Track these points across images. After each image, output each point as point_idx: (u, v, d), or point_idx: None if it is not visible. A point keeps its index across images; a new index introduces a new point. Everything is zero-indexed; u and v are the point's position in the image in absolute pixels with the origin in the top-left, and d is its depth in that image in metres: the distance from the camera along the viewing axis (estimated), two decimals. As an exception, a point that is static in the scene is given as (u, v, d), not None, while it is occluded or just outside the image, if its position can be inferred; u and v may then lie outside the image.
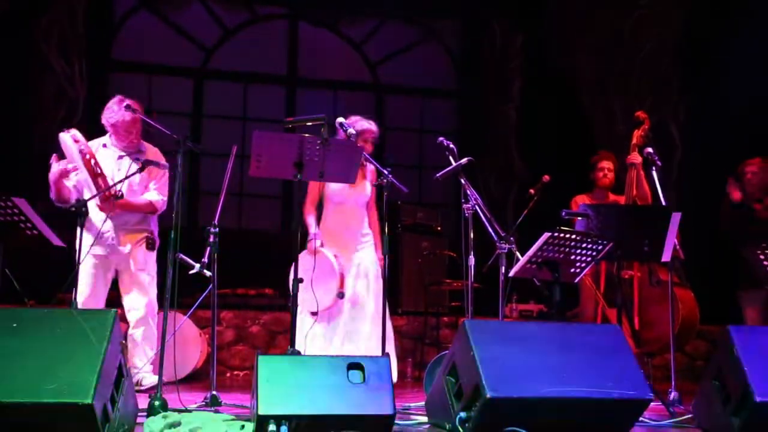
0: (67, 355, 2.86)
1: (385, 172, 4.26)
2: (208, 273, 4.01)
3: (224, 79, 8.31)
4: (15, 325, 2.98)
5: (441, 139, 4.62)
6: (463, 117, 8.74)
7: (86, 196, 4.44)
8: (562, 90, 8.03)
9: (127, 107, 4.47)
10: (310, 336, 4.55)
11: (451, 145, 4.51)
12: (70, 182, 4.51)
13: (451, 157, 4.44)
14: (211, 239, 4.00)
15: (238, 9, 8.34)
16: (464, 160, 4.31)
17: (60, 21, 7.22)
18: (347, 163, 4.12)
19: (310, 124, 4.15)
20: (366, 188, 4.89)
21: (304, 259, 4.63)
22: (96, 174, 4.33)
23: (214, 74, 8.28)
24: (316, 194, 4.81)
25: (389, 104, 8.60)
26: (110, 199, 4.40)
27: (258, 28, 8.44)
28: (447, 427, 3.31)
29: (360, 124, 4.79)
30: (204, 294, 4.18)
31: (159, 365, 3.73)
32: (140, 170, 4.32)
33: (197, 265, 4.02)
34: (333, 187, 4.77)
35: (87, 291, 4.58)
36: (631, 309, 5.20)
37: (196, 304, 4.43)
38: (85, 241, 4.45)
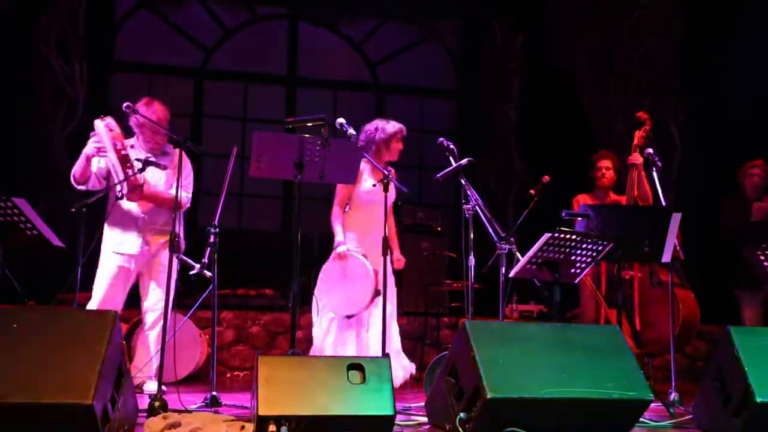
0: (67, 356, 2.86)
1: (385, 172, 4.27)
2: (208, 273, 4.01)
3: (224, 79, 8.30)
4: (15, 325, 2.98)
5: (441, 139, 4.62)
6: (463, 117, 8.74)
7: (101, 186, 4.51)
8: (562, 90, 8.03)
9: (128, 107, 4.47)
10: (338, 341, 4.58)
11: (451, 146, 4.51)
12: (94, 167, 4.51)
13: (451, 158, 4.44)
14: (212, 240, 4.00)
15: (238, 9, 8.34)
16: (464, 161, 4.31)
17: (60, 21, 7.21)
18: (348, 163, 4.12)
19: (310, 124, 4.15)
20: (391, 189, 4.90)
21: (331, 266, 4.65)
22: (125, 162, 4.32)
23: (214, 74, 8.28)
24: (346, 196, 4.82)
25: (389, 104, 8.59)
26: (137, 188, 4.40)
27: (258, 28, 8.44)
28: (447, 427, 3.31)
29: (392, 125, 4.80)
30: (204, 294, 4.18)
31: (159, 366, 3.73)
32: (140, 170, 4.33)
33: (197, 266, 4.02)
34: (363, 187, 4.76)
35: (102, 293, 4.52)
36: (631, 310, 5.20)
37: (197, 304, 4.43)
38: (110, 239, 4.57)
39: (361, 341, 4.64)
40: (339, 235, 4.75)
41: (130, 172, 4.33)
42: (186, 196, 4.67)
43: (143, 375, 4.63)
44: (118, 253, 4.58)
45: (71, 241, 4.25)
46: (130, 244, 4.59)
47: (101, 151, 4.37)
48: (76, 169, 4.49)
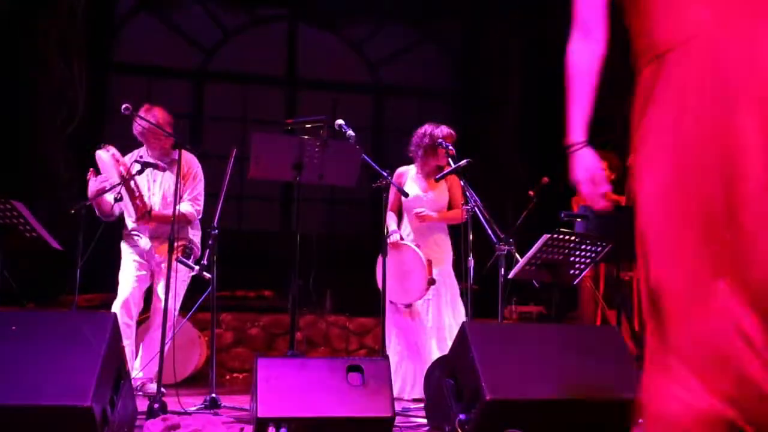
0: (66, 358, 2.86)
1: (384, 174, 4.26)
2: (207, 275, 4.01)
3: (224, 80, 8.31)
4: (14, 327, 2.98)
5: (440, 140, 4.62)
6: (463, 118, 8.74)
7: (121, 211, 4.59)
8: (562, 91, 8.01)
9: (126, 109, 4.46)
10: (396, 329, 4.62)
11: (450, 147, 4.51)
12: (109, 195, 4.50)
13: (450, 159, 4.44)
14: (211, 241, 4.00)
15: (238, 11, 8.34)
16: (463, 162, 4.31)
17: (59, 22, 7.21)
18: (347, 164, 4.12)
19: (309, 125, 4.15)
20: (442, 194, 4.90)
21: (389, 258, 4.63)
22: (134, 195, 4.38)
23: (214, 76, 8.28)
24: (395, 203, 4.87)
25: (389, 105, 8.60)
26: (145, 216, 4.46)
27: (258, 29, 8.44)
28: (447, 429, 3.30)
29: (441, 129, 4.77)
30: (203, 296, 4.18)
31: (159, 367, 3.73)
32: (139, 173, 4.33)
33: (197, 267, 4.02)
34: (410, 195, 4.70)
35: (126, 294, 4.60)
36: (630, 311, 5.20)
37: (196, 306, 4.43)
38: (127, 241, 4.68)
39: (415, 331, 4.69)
40: (392, 225, 4.78)
41: (138, 202, 4.39)
42: (194, 210, 4.71)
43: (144, 377, 4.62)
44: (130, 255, 4.68)
45: (70, 244, 4.25)
46: (143, 244, 4.68)
47: (107, 191, 4.36)
48: (97, 211, 4.54)
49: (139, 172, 4.33)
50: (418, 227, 4.81)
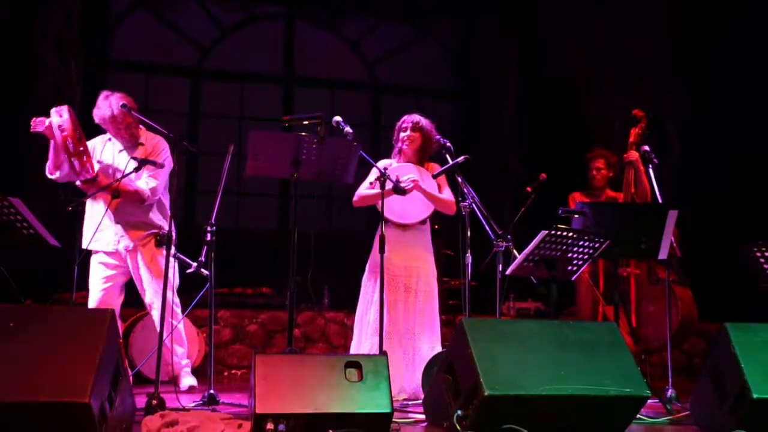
0: (64, 354, 2.86)
1: (382, 170, 4.26)
2: (205, 272, 4.01)
3: (221, 78, 8.29)
4: (12, 324, 2.98)
5: (438, 137, 4.62)
6: (461, 115, 8.74)
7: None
8: (559, 88, 8.03)
9: (123, 106, 4.46)
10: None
11: (448, 144, 4.51)
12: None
13: (448, 156, 4.44)
14: (209, 238, 4.00)
15: (235, 8, 8.33)
16: (461, 158, 4.31)
17: (56, 20, 7.19)
18: (344, 161, 4.12)
19: (306, 122, 4.15)
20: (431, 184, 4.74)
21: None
22: (71, 152, 4.25)
23: (210, 73, 8.26)
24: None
25: (386, 103, 8.59)
26: (89, 182, 4.36)
27: (255, 27, 8.43)
28: (445, 425, 3.31)
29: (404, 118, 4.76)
30: (201, 293, 4.18)
31: (157, 364, 3.73)
32: (136, 169, 4.33)
33: (194, 264, 4.02)
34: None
35: (96, 295, 4.54)
36: (628, 306, 5.21)
37: (194, 302, 4.43)
38: (87, 238, 4.49)
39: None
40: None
41: (77, 160, 4.26)
42: (149, 188, 4.50)
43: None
44: (96, 252, 4.56)
45: (68, 240, 4.25)
46: (105, 241, 4.56)
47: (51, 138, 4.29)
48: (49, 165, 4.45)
49: (136, 170, 4.33)
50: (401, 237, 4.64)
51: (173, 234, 4.02)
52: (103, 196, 4.46)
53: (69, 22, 7.24)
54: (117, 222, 4.55)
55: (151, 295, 4.59)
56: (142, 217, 4.59)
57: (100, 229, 4.45)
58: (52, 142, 4.34)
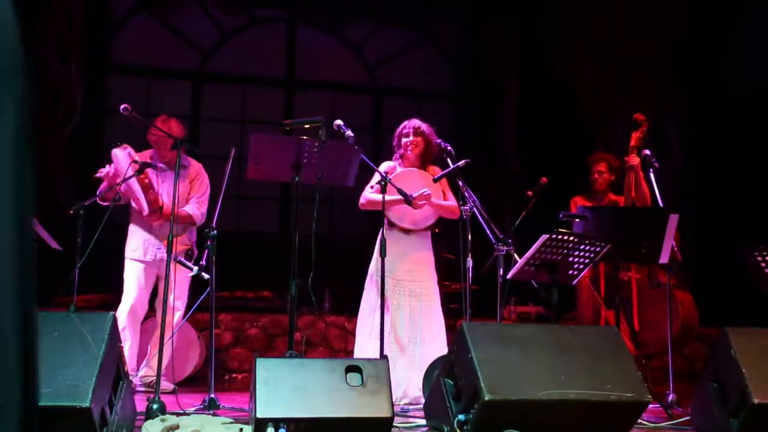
0: (64, 358, 2.86)
1: (383, 174, 4.26)
2: (206, 275, 4.01)
3: (223, 81, 8.31)
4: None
5: (438, 140, 4.63)
6: (461, 119, 8.74)
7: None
8: (560, 91, 8.04)
9: (124, 109, 4.47)
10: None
11: (449, 147, 4.51)
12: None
13: (448, 159, 4.44)
14: (209, 242, 4.00)
15: (237, 12, 8.34)
16: (462, 162, 4.31)
17: (56, 21, 7.20)
18: (345, 164, 4.12)
19: (308, 126, 4.15)
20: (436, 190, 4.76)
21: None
22: (148, 188, 4.55)
23: (212, 77, 8.28)
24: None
25: (387, 107, 8.60)
26: (157, 212, 4.63)
27: (256, 31, 8.44)
28: (445, 429, 3.30)
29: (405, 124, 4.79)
30: (202, 296, 4.18)
31: (158, 368, 3.73)
32: (138, 173, 4.34)
33: (195, 268, 4.02)
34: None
35: (134, 296, 4.77)
36: (629, 311, 5.20)
37: (195, 306, 4.43)
38: (129, 247, 4.87)
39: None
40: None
41: (151, 195, 4.55)
42: (200, 212, 4.88)
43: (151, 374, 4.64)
44: (134, 260, 4.84)
45: (68, 244, 4.25)
46: (144, 251, 4.84)
47: (117, 180, 4.47)
48: (103, 192, 4.63)
49: (139, 172, 4.35)
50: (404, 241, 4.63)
51: (194, 249, 4.56)
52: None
53: (70, 23, 7.25)
54: (160, 238, 4.80)
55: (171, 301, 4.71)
56: (182, 236, 4.87)
57: (144, 241, 4.82)
58: (111, 173, 4.52)
